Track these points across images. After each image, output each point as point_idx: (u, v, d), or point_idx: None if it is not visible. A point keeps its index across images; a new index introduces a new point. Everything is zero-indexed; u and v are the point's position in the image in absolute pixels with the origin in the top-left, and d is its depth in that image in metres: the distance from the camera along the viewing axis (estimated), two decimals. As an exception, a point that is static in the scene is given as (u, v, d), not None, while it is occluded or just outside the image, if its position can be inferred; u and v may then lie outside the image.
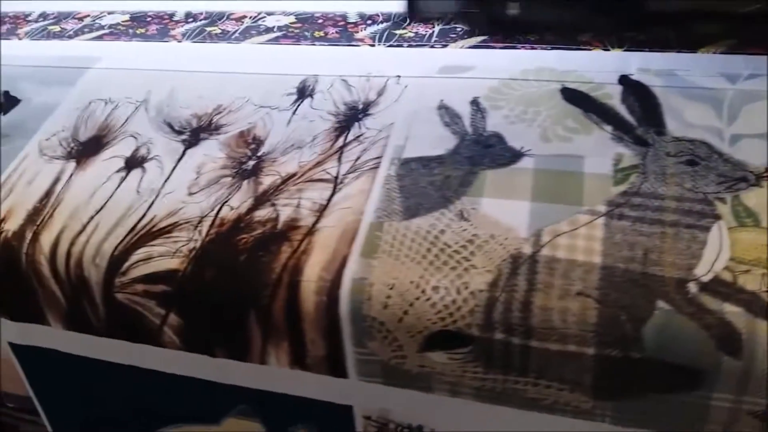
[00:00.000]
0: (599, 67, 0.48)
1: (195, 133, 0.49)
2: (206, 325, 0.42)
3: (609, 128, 0.43)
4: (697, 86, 0.45)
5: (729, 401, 0.34)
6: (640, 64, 0.48)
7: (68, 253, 0.43)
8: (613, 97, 0.45)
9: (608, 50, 0.51)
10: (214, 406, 0.47)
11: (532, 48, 0.52)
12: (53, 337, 0.47)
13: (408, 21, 0.57)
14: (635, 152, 0.42)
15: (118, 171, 0.47)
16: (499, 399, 0.38)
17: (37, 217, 0.45)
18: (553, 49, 0.52)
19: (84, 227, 0.44)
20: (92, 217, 0.44)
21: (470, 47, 0.53)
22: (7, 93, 0.56)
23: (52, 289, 0.44)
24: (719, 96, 0.44)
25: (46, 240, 0.44)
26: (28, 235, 0.44)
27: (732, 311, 0.33)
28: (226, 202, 0.43)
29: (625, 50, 0.50)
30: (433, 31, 0.56)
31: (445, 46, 0.54)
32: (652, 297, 0.34)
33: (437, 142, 0.44)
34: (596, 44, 0.52)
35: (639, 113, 0.44)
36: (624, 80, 0.46)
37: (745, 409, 0.34)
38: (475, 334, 0.36)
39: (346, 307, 0.38)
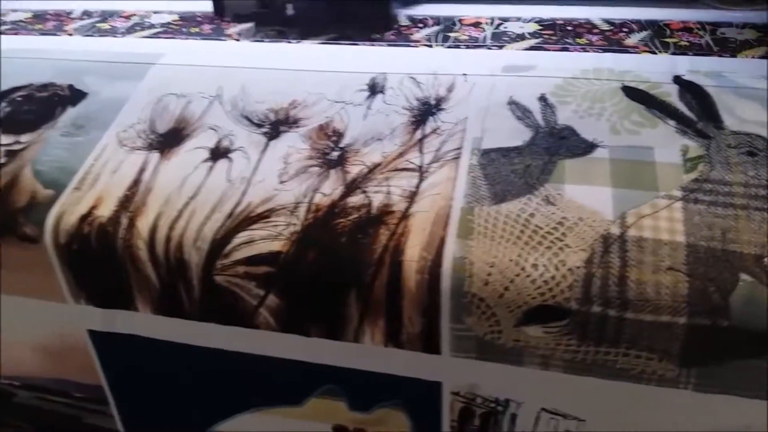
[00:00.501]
0: (652, 68, 0.52)
1: (275, 126, 0.51)
2: (305, 304, 0.44)
3: (672, 123, 0.47)
4: (744, 86, 0.50)
5: (805, 364, 0.38)
6: (688, 66, 0.52)
7: (168, 237, 0.45)
8: (671, 95, 0.49)
9: (655, 53, 0.55)
10: (298, 387, 0.49)
11: (584, 50, 0.56)
12: (139, 322, 0.49)
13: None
14: (699, 144, 0.45)
15: (204, 161, 0.49)
16: (588, 370, 0.41)
17: (129, 203, 0.46)
18: (604, 51, 0.55)
19: (180, 213, 0.45)
20: (187, 204, 0.46)
21: (525, 49, 0.57)
22: (72, 86, 0.57)
23: (146, 273, 0.46)
24: (761, 94, 0.49)
25: (143, 225, 0.45)
26: (124, 221, 0.46)
27: (808, 282, 0.37)
28: (317, 189, 0.46)
29: (671, 53, 0.55)
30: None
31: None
32: (735, 270, 0.38)
33: (513, 134, 0.48)
34: (644, 48, 0.56)
35: (697, 110, 0.48)
36: (678, 80, 0.50)
37: (818, 371, 0.38)
38: (573, 308, 0.39)
39: (447, 284, 0.41)
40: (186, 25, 0.66)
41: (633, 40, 0.57)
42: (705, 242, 0.39)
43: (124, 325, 0.49)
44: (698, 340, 0.38)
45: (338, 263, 0.42)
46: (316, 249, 0.43)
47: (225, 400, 0.52)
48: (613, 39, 0.58)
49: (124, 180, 0.48)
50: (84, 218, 0.46)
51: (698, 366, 0.40)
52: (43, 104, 0.56)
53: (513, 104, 0.50)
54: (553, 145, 0.47)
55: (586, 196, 0.43)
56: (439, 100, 0.51)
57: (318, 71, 0.56)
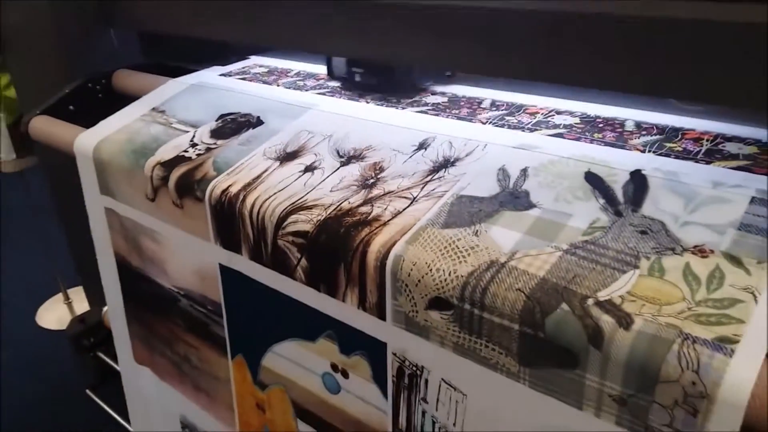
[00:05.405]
0: (627, 162, 0.66)
1: (349, 159, 0.77)
2: (317, 268, 0.68)
3: (602, 201, 0.61)
4: (684, 183, 0.61)
5: (596, 383, 0.50)
6: (657, 164, 0.64)
7: (258, 212, 0.73)
8: (618, 182, 0.63)
9: (644, 152, 0.68)
10: (313, 328, 0.73)
11: (592, 142, 0.71)
12: (241, 262, 0.78)
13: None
14: (610, 219, 0.59)
15: (300, 172, 0.77)
16: (466, 353, 0.58)
17: (248, 187, 0.76)
18: (610, 146, 0.70)
19: (270, 197, 0.74)
20: (275, 194, 0.74)
21: (549, 136, 0.74)
22: (258, 117, 0.91)
23: (248, 231, 0.74)
24: (694, 193, 0.59)
25: (249, 201, 0.74)
26: (241, 196, 0.75)
27: (606, 320, 0.50)
28: (347, 199, 0.70)
29: (656, 155, 0.67)
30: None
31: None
32: (560, 300, 0.53)
33: (487, 189, 0.66)
34: (639, 149, 0.69)
35: (628, 196, 0.61)
36: (633, 173, 0.64)
37: (606, 392, 0.50)
38: (455, 303, 0.57)
39: (390, 271, 0.62)
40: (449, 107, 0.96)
41: (638, 141, 0.70)
42: (555, 279, 0.54)
43: (235, 263, 0.79)
44: (527, 345, 0.54)
45: (337, 245, 0.66)
46: (327, 233, 0.67)
47: (276, 327, 0.78)
48: (623, 138, 0.71)
49: (252, 174, 0.78)
50: (224, 192, 0.77)
51: (530, 366, 0.54)
52: (238, 125, 0.90)
53: (501, 170, 0.68)
54: (507, 200, 0.64)
55: (501, 236, 0.60)
56: (456, 160, 0.72)
57: (395, 127, 0.80)
